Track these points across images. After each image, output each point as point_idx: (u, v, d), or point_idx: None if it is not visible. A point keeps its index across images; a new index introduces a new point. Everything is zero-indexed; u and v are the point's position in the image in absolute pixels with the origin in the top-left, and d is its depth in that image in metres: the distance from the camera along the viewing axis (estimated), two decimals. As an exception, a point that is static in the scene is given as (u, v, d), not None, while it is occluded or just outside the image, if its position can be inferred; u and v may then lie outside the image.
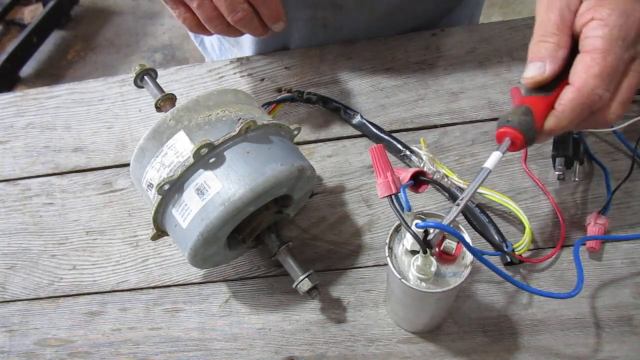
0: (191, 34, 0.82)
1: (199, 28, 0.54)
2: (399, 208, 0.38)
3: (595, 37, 0.37)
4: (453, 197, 0.53)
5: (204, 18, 0.52)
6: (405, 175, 0.39)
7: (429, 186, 0.41)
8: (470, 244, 0.37)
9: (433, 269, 0.38)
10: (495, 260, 0.51)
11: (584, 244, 0.50)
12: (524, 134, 0.37)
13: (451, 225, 0.36)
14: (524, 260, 0.49)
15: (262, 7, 0.51)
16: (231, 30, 0.53)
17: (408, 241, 0.39)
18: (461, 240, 0.36)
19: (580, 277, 0.43)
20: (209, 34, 0.55)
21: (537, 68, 0.39)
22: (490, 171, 0.37)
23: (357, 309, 0.50)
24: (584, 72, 0.37)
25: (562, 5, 0.39)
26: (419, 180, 0.40)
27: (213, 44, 0.80)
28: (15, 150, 0.65)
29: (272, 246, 0.49)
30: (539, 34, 0.39)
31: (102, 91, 0.68)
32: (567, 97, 0.38)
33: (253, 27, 0.52)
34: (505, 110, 0.40)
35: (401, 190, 0.38)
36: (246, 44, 0.71)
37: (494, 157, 0.37)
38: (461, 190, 0.53)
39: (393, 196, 0.38)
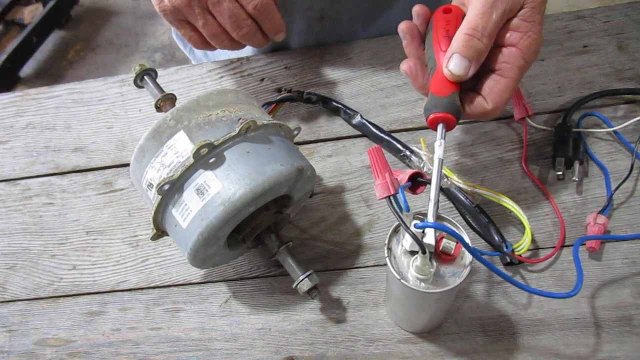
0: (179, 43, 0.83)
1: (205, 45, 0.56)
2: (397, 209, 0.38)
3: (513, 67, 0.43)
4: (452, 198, 0.53)
5: (209, 35, 0.54)
6: (403, 176, 0.39)
7: (428, 187, 0.41)
8: (470, 244, 0.37)
9: (432, 269, 0.38)
10: (495, 260, 0.51)
11: (584, 244, 0.50)
12: (455, 115, 0.42)
13: (448, 225, 0.37)
14: (523, 260, 0.49)
15: (265, 21, 0.54)
16: (235, 44, 0.56)
17: (407, 242, 0.39)
18: (460, 240, 0.36)
19: (579, 277, 0.43)
20: (214, 49, 0.57)
21: (463, 67, 0.43)
22: (442, 160, 0.40)
23: (357, 309, 0.50)
24: (499, 96, 0.44)
25: (506, 8, 0.42)
26: (416, 181, 0.40)
27: (206, 51, 0.80)
28: (15, 150, 0.65)
29: (272, 246, 0.49)
30: (477, 26, 0.42)
31: (102, 91, 0.68)
32: (483, 110, 0.44)
33: (256, 40, 0.55)
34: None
35: (399, 191, 0.38)
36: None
37: (440, 147, 0.41)
38: (461, 190, 0.53)
39: (391, 197, 0.38)
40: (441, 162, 0.40)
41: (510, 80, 0.43)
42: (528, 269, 0.50)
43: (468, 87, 0.45)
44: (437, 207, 0.38)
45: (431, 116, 0.43)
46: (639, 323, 0.47)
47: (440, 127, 0.43)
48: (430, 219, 0.38)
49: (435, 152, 0.41)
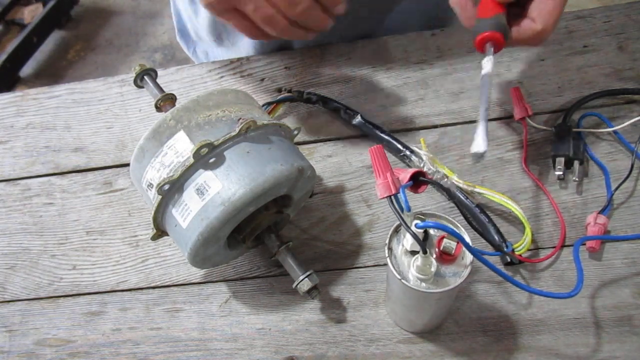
0: (183, 45, 0.82)
1: (259, 33, 0.51)
2: (398, 209, 0.38)
3: None
4: (452, 198, 0.53)
5: (262, 20, 0.49)
6: (405, 175, 0.39)
7: (429, 186, 0.41)
8: (470, 244, 0.37)
9: (433, 269, 0.38)
10: (495, 260, 0.51)
11: (584, 244, 0.50)
12: (502, 32, 0.44)
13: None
14: (523, 260, 0.49)
15: None
16: (292, 29, 0.49)
17: (408, 241, 0.39)
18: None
19: (580, 277, 0.43)
20: (269, 38, 0.52)
21: None
22: (490, 75, 0.43)
23: (357, 309, 0.50)
24: (549, 16, 0.44)
25: None
26: (418, 180, 0.40)
27: (207, 52, 0.80)
28: (15, 150, 0.65)
29: (272, 246, 0.49)
30: None
31: (102, 91, 0.68)
32: (532, 31, 0.45)
33: (316, 18, 0.49)
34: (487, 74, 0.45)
35: (400, 190, 0.38)
36: (243, 47, 0.71)
37: (488, 62, 0.44)
38: (461, 190, 0.53)
39: (392, 197, 0.38)
40: (488, 77, 0.43)
41: (559, 0, 0.43)
42: (528, 268, 0.50)
43: (515, 12, 0.46)
44: (487, 128, 0.42)
45: (478, 37, 0.45)
46: (639, 323, 0.47)
47: (488, 45, 0.45)
48: (482, 138, 0.41)
49: (483, 67, 0.43)
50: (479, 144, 0.41)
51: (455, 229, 0.39)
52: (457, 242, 0.38)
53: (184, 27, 0.81)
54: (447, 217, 0.40)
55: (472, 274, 0.50)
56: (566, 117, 0.57)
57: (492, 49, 0.45)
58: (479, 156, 0.41)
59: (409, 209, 0.37)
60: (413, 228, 0.37)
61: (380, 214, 0.55)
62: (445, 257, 0.39)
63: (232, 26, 0.51)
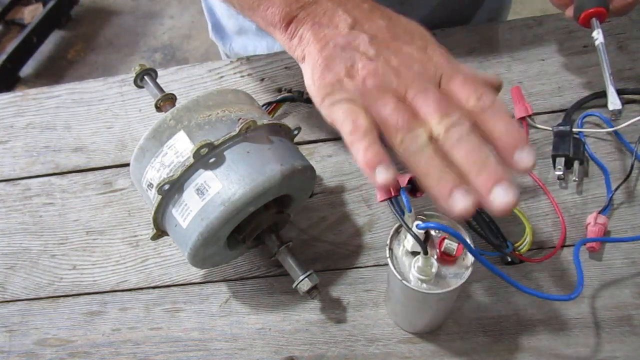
0: (218, 42, 0.79)
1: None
2: (398, 210, 0.38)
3: None
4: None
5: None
6: (403, 179, 0.39)
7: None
8: (472, 246, 0.37)
9: (434, 270, 0.38)
10: (496, 259, 0.51)
11: (584, 244, 0.50)
12: (604, 6, 0.51)
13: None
14: (524, 259, 0.49)
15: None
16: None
17: (409, 242, 0.39)
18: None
19: (580, 280, 0.43)
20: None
21: None
22: (604, 44, 0.51)
23: (357, 309, 0.50)
24: None
25: None
26: (415, 184, 0.40)
27: (246, 45, 0.76)
28: (15, 150, 0.65)
29: (272, 246, 0.49)
30: None
31: (102, 91, 0.68)
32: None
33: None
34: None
35: (401, 192, 0.37)
36: None
37: (598, 33, 0.51)
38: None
39: (392, 198, 0.37)
40: (603, 45, 0.51)
41: None
42: (529, 268, 0.50)
43: None
44: (616, 89, 0.50)
45: (583, 14, 0.51)
46: (639, 323, 0.47)
47: (593, 20, 0.51)
48: (616, 97, 0.50)
49: (596, 39, 0.51)
50: (615, 102, 0.50)
51: (456, 230, 0.39)
52: (458, 243, 0.38)
53: (217, 22, 0.78)
54: (447, 217, 0.40)
55: (473, 275, 0.50)
56: (566, 117, 0.57)
57: (597, 22, 0.51)
58: (617, 113, 0.51)
59: (410, 210, 0.37)
60: (414, 229, 0.37)
61: (380, 214, 0.55)
62: (446, 258, 0.39)
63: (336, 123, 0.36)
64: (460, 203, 0.31)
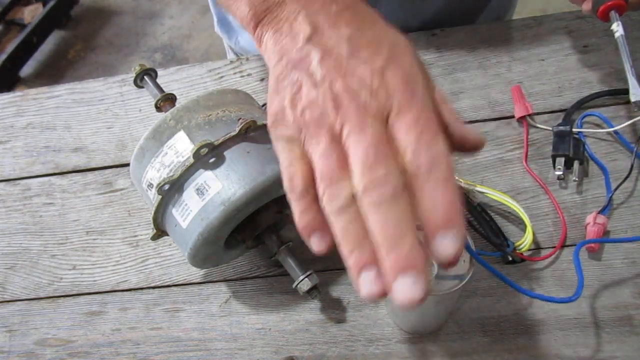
0: (223, 35, 0.79)
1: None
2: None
3: None
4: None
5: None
6: None
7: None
8: (473, 248, 0.37)
9: (434, 271, 0.38)
10: (497, 259, 0.51)
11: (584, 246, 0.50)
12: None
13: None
14: (525, 258, 0.49)
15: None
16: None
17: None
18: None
19: (580, 281, 0.43)
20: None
21: None
22: (624, 36, 0.52)
23: (357, 309, 0.50)
24: None
25: None
26: None
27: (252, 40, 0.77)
28: (15, 150, 0.65)
29: (272, 246, 0.49)
30: None
31: (102, 91, 0.68)
32: None
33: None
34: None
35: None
36: None
37: (618, 25, 0.52)
38: (462, 189, 0.53)
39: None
40: (623, 37, 0.51)
41: None
42: (529, 268, 0.50)
43: None
44: (638, 80, 0.51)
45: (602, 6, 0.52)
46: (639, 323, 0.47)
47: (612, 13, 0.52)
48: (638, 88, 0.50)
49: (616, 31, 0.52)
50: (637, 93, 0.51)
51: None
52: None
53: (223, 16, 0.77)
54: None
55: (473, 275, 0.50)
56: (566, 117, 0.57)
57: (617, 14, 0.52)
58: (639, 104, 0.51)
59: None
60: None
61: (380, 214, 0.55)
62: (446, 258, 0.39)
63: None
64: (365, 288, 0.26)
